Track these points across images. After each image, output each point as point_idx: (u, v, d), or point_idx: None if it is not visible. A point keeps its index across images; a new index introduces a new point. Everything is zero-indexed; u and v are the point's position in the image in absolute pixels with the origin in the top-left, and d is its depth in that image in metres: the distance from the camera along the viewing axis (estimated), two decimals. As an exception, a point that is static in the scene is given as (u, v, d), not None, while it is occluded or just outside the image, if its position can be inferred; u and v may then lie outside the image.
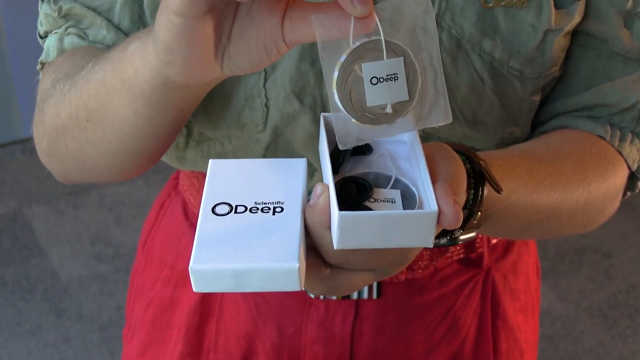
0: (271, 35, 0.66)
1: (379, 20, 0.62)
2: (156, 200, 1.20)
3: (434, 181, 0.65)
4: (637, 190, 0.99)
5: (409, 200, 0.67)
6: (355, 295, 1.02)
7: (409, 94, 0.63)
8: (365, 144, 0.70)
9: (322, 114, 0.71)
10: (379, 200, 0.66)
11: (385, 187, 0.67)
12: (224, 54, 0.67)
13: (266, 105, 0.89)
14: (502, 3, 0.86)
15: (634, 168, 0.95)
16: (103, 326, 2.70)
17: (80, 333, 2.67)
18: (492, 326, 1.10)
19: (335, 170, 0.68)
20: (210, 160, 0.71)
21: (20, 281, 2.84)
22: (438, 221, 0.63)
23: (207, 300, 1.07)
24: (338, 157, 0.69)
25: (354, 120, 0.63)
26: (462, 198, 0.71)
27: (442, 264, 1.04)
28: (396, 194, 0.66)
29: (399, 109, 0.63)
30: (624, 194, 0.99)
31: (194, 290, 0.64)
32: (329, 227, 0.65)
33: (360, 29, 0.62)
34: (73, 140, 0.86)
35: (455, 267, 1.06)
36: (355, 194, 0.66)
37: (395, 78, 0.63)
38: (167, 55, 0.67)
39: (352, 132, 0.64)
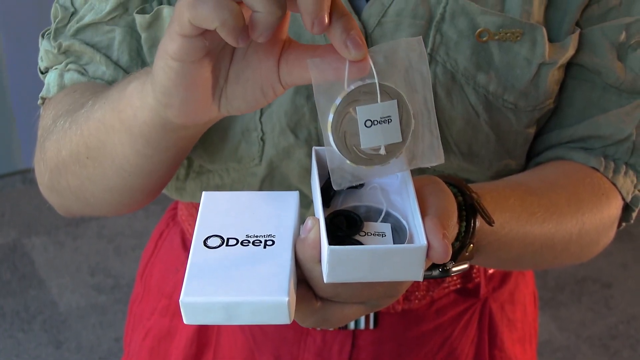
0: (267, 78, 0.67)
1: (373, 64, 0.63)
2: (155, 230, 1.20)
3: (423, 215, 0.65)
4: (631, 221, 0.99)
5: (399, 234, 0.67)
6: (352, 326, 1.02)
7: (402, 136, 0.64)
8: None
9: (313, 148, 0.71)
10: (369, 234, 0.66)
11: (376, 221, 0.68)
12: (221, 95, 0.68)
13: (262, 139, 0.90)
14: (496, 37, 0.87)
15: (628, 199, 0.95)
16: (102, 357, 2.69)
17: (80, 364, 2.67)
18: (489, 356, 1.10)
19: (327, 203, 0.69)
20: (203, 193, 0.72)
21: (20, 312, 2.83)
22: (427, 255, 0.63)
23: (204, 330, 1.07)
24: (329, 191, 0.69)
25: (348, 161, 0.64)
26: (453, 231, 0.72)
27: (438, 294, 1.04)
28: (387, 228, 0.67)
29: (392, 150, 0.64)
30: (619, 224, 0.99)
31: (185, 322, 0.65)
32: (320, 261, 0.66)
33: (355, 73, 0.63)
34: (74, 176, 0.87)
35: (452, 297, 1.06)
36: (345, 227, 0.66)
37: (389, 120, 0.64)
38: (165, 98, 0.68)
39: (346, 173, 0.65)
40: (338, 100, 0.64)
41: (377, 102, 0.63)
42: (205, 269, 0.65)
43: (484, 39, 0.87)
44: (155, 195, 0.91)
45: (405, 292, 1.00)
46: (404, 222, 0.67)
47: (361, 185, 0.71)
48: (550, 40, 0.89)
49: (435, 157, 0.65)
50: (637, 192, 0.96)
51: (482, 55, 0.87)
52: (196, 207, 1.08)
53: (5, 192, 3.32)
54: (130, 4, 0.91)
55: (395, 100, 0.64)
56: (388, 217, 0.68)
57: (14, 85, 3.19)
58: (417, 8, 0.86)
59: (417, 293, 1.03)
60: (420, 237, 0.64)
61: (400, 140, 0.64)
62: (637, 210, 0.98)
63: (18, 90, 3.22)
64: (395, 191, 0.71)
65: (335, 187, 0.66)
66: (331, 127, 0.64)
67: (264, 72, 0.66)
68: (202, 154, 0.93)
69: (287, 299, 0.63)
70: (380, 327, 1.03)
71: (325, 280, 0.64)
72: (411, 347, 1.04)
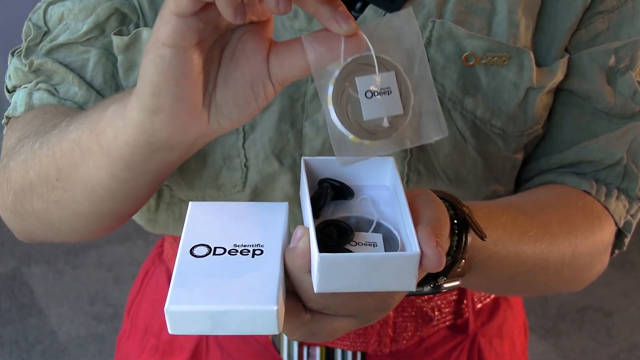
0: (257, 76, 0.66)
1: (368, 38, 0.62)
2: (142, 267, 1.19)
3: (416, 224, 0.64)
4: (624, 248, 0.98)
5: (390, 244, 0.66)
6: None
7: (403, 109, 0.63)
8: (347, 189, 0.70)
9: (303, 158, 0.70)
10: (360, 244, 0.65)
11: (367, 231, 0.67)
12: (210, 103, 0.67)
13: (245, 165, 0.89)
14: (483, 61, 0.87)
15: (621, 224, 0.94)
16: (101, 387, 2.68)
17: (78, 394, 2.66)
18: (479, 392, 1.09)
19: (316, 214, 0.68)
20: (190, 203, 0.71)
21: (19, 341, 2.82)
22: (420, 264, 0.62)
23: None
24: (319, 201, 0.68)
25: (351, 137, 0.63)
26: (446, 244, 0.70)
27: (427, 332, 1.03)
28: (378, 238, 0.66)
29: (395, 124, 0.63)
30: (612, 252, 0.97)
31: (170, 332, 0.62)
32: (309, 271, 0.64)
33: (352, 49, 0.63)
34: (40, 199, 0.84)
35: (441, 335, 1.05)
36: (336, 237, 0.65)
37: (389, 92, 0.63)
38: (155, 99, 0.66)
39: (349, 150, 0.64)
40: (336, 73, 0.63)
41: (375, 73, 0.63)
42: (191, 278, 0.63)
43: (471, 63, 0.87)
44: (124, 221, 0.89)
45: (393, 333, 1.00)
46: (396, 233, 0.66)
47: (351, 197, 0.70)
48: (538, 64, 0.89)
49: (437, 132, 0.64)
50: (629, 217, 0.95)
51: (469, 79, 0.87)
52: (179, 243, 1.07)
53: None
54: (107, 25, 0.90)
55: (393, 72, 0.63)
56: (379, 228, 0.67)
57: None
58: None
59: (405, 334, 1.02)
60: (413, 245, 0.62)
61: (402, 112, 0.63)
62: (629, 237, 0.97)
63: None
64: (386, 202, 0.70)
65: (342, 165, 0.65)
66: (332, 100, 0.63)
67: (253, 70, 0.65)
68: (179, 181, 0.92)
69: (276, 307, 0.61)
70: None
71: (315, 290, 0.62)
72: None
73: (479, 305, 1.08)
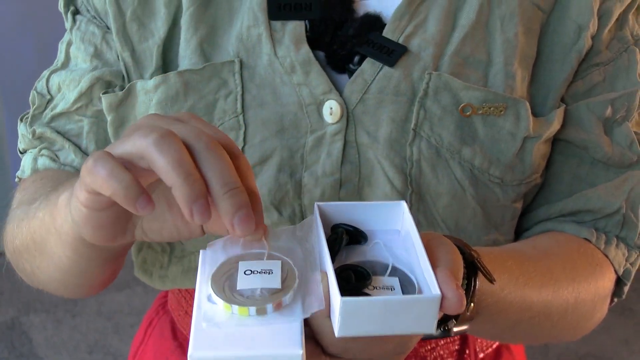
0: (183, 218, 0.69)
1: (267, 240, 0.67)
2: (145, 317, 1.19)
3: (433, 267, 0.63)
4: (623, 297, 0.99)
5: (407, 287, 0.65)
6: None
7: (282, 285, 0.64)
8: (361, 233, 0.70)
9: (316, 203, 0.70)
10: (378, 288, 0.64)
11: (383, 275, 0.66)
12: (135, 228, 0.71)
13: None
14: (480, 112, 0.88)
15: (620, 272, 0.95)
16: None
17: None
18: None
19: (332, 259, 0.66)
20: (200, 251, 0.70)
21: (17, 391, 2.80)
22: (441, 306, 0.62)
23: None
24: (334, 246, 0.68)
25: (222, 304, 0.63)
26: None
27: None
28: (395, 282, 0.65)
29: (270, 297, 0.64)
30: (611, 300, 0.98)
31: None
32: (329, 315, 0.64)
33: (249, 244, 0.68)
34: (27, 263, 0.89)
35: None
36: (354, 281, 0.65)
37: (270, 272, 0.65)
38: (78, 227, 0.69)
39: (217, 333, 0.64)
40: (224, 258, 0.67)
41: (262, 259, 0.66)
42: (212, 322, 0.63)
43: (468, 113, 0.88)
44: (105, 285, 0.92)
45: None
46: (412, 276, 0.66)
47: (365, 241, 0.70)
48: (535, 115, 0.90)
49: (317, 304, 0.65)
50: (628, 265, 0.95)
51: (466, 129, 0.88)
52: (185, 296, 1.07)
53: (4, 269, 3.31)
54: (93, 93, 0.94)
55: (280, 261, 0.66)
56: (394, 272, 0.67)
57: (14, 164, 3.21)
58: (400, 85, 0.87)
59: None
60: (432, 288, 0.62)
61: (280, 287, 0.64)
62: (628, 285, 0.97)
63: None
64: (399, 246, 0.70)
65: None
66: (212, 277, 0.65)
67: (179, 211, 0.69)
68: None
69: (301, 351, 0.61)
70: None
71: (337, 334, 0.62)
72: None
73: (481, 355, 1.07)
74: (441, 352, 1.02)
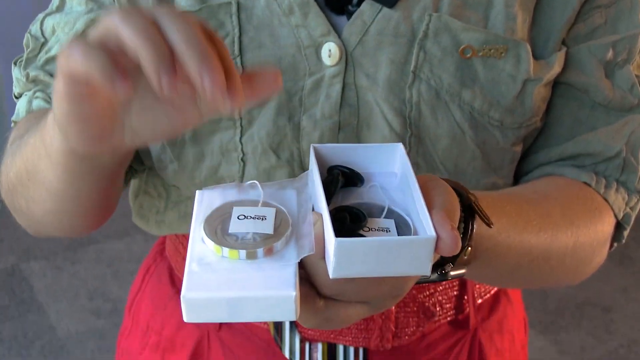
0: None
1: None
2: (142, 265, 1.20)
3: (429, 209, 0.63)
4: (623, 241, 0.99)
5: (403, 229, 0.65)
6: None
7: (274, 231, 0.64)
8: (357, 175, 0.69)
9: (312, 145, 0.70)
10: (373, 229, 0.64)
11: (379, 217, 0.66)
12: (124, 125, 0.69)
13: (242, 160, 0.90)
14: (480, 54, 0.87)
15: (620, 217, 0.94)
16: (100, 382, 2.68)
17: (77, 389, 2.66)
18: (479, 387, 1.09)
19: (327, 200, 0.66)
20: (196, 192, 0.70)
21: (18, 337, 2.82)
22: (436, 248, 0.61)
23: None
24: (330, 187, 0.68)
25: (213, 246, 0.63)
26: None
27: (429, 328, 1.03)
28: (390, 224, 0.65)
29: (262, 242, 0.64)
30: (611, 245, 0.98)
31: (185, 320, 0.62)
32: (324, 257, 0.63)
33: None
34: (22, 197, 0.88)
35: (442, 331, 1.05)
36: (349, 223, 0.64)
37: (264, 218, 0.65)
38: (62, 130, 0.69)
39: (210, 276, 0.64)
40: (220, 203, 0.66)
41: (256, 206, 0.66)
42: (202, 263, 0.63)
43: (468, 55, 0.87)
44: (99, 222, 0.92)
45: (395, 329, 1.00)
46: (407, 218, 0.66)
47: (361, 183, 0.70)
48: (536, 57, 0.89)
49: (308, 248, 0.65)
50: (628, 209, 0.95)
51: (466, 71, 0.87)
52: (182, 242, 1.07)
53: (4, 216, 3.32)
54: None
55: (274, 209, 0.66)
56: (390, 214, 0.67)
57: (10, 105, 3.21)
58: (399, 26, 0.87)
59: (407, 329, 1.01)
60: (427, 229, 0.62)
61: (272, 233, 0.64)
62: (628, 230, 0.97)
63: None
64: (396, 188, 0.70)
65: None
66: (206, 220, 0.65)
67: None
68: (181, 176, 0.93)
69: (294, 293, 0.61)
70: None
71: (331, 276, 0.62)
72: None
73: (480, 301, 1.08)
74: (440, 298, 1.03)
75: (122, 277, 3.08)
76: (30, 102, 0.96)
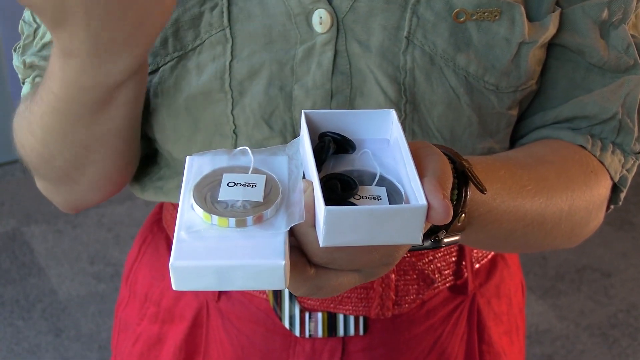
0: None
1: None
2: (138, 234, 1.19)
3: (421, 176, 0.63)
4: (619, 204, 0.98)
5: (395, 197, 0.64)
6: (341, 332, 1.01)
7: (264, 199, 0.64)
8: (348, 142, 0.69)
9: (303, 111, 0.69)
10: (364, 197, 0.64)
11: (370, 185, 0.65)
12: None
13: (235, 132, 0.89)
14: (474, 17, 0.86)
15: (616, 179, 0.94)
16: (102, 345, 2.70)
17: (79, 352, 2.67)
18: (478, 352, 1.09)
19: (318, 168, 0.66)
20: (187, 157, 0.70)
21: (19, 300, 2.84)
22: (427, 216, 0.61)
23: (192, 338, 1.06)
24: (321, 154, 0.67)
25: (202, 214, 0.63)
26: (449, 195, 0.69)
27: (429, 295, 1.03)
28: (382, 191, 0.64)
29: (252, 209, 0.63)
30: (607, 207, 0.98)
31: (174, 288, 0.62)
32: (314, 225, 0.63)
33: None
34: (32, 136, 0.89)
35: (441, 297, 1.05)
36: (340, 190, 0.64)
37: (254, 185, 0.64)
38: (86, 40, 0.70)
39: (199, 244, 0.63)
40: (210, 170, 0.66)
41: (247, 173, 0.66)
42: (190, 231, 0.62)
43: (462, 19, 0.86)
44: (122, 179, 0.94)
45: (395, 297, 1.00)
46: (399, 186, 0.65)
47: (352, 150, 0.69)
48: (530, 19, 0.88)
49: (298, 217, 0.64)
50: (624, 172, 0.95)
51: (460, 36, 0.86)
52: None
53: (4, 181, 3.33)
54: None
55: (264, 176, 0.65)
56: (382, 182, 0.66)
57: (12, 71, 3.20)
58: None
59: (407, 297, 1.02)
60: (419, 198, 0.61)
61: (262, 201, 0.63)
62: (624, 192, 0.97)
63: (17, 78, 3.23)
64: (388, 156, 0.69)
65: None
66: (195, 187, 0.65)
67: None
68: (179, 148, 0.93)
69: (283, 262, 0.60)
70: (371, 332, 1.02)
71: (321, 244, 0.61)
72: (402, 351, 1.03)
73: (477, 266, 1.08)
74: (439, 265, 1.03)
75: (123, 241, 3.09)
76: (32, 87, 0.95)
